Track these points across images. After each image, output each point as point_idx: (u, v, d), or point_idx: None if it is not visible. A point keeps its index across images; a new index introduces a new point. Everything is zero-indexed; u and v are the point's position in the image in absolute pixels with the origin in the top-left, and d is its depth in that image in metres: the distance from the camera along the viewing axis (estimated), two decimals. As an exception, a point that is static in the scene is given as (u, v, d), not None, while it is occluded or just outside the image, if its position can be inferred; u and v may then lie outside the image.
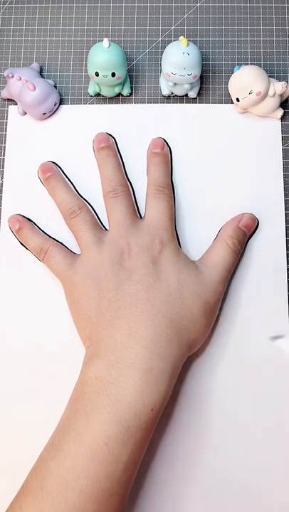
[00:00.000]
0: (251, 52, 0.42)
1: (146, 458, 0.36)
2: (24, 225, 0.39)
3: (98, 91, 0.41)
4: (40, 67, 0.42)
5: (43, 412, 0.37)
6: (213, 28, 0.43)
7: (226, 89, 0.41)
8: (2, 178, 0.41)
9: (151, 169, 0.39)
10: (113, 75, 0.38)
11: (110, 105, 0.42)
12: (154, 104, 0.42)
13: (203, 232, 0.39)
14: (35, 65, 0.42)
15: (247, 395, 0.37)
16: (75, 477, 0.28)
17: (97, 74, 0.38)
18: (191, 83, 0.39)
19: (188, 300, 0.34)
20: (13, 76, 0.40)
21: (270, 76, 0.40)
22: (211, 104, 0.41)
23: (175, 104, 0.42)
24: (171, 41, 0.41)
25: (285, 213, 0.39)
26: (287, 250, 0.39)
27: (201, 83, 0.41)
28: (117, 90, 0.41)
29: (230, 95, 0.40)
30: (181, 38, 0.37)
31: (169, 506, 0.36)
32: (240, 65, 0.41)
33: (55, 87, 0.42)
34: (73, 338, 0.37)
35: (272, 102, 0.39)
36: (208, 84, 0.42)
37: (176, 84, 0.39)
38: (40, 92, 0.39)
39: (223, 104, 0.41)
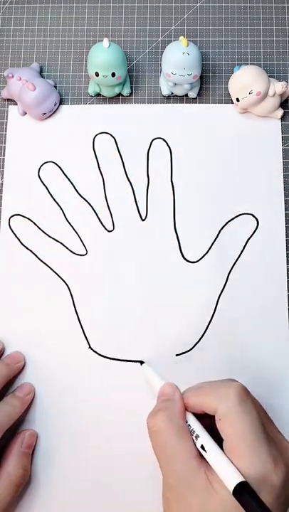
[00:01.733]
0: (251, 52, 0.42)
1: (145, 454, 0.36)
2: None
3: (98, 91, 0.41)
4: (40, 67, 0.42)
5: (42, 411, 0.37)
6: (213, 28, 0.43)
7: (226, 89, 0.41)
8: (2, 178, 0.41)
9: None
10: (113, 75, 0.38)
11: (110, 105, 0.42)
12: (154, 104, 0.42)
13: (203, 233, 0.39)
14: (35, 65, 0.42)
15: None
16: None
17: (97, 74, 0.38)
18: (191, 83, 0.39)
19: None
20: (13, 76, 0.40)
21: (270, 76, 0.40)
22: (211, 104, 0.41)
23: (175, 104, 0.42)
24: (171, 41, 0.41)
25: (285, 213, 0.39)
26: (287, 250, 0.39)
27: (201, 83, 0.41)
28: (117, 90, 0.41)
29: (230, 95, 0.40)
30: (181, 38, 0.37)
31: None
32: (240, 65, 0.41)
33: (55, 87, 0.42)
34: (73, 337, 0.38)
35: (272, 102, 0.39)
36: (208, 84, 0.42)
37: (176, 84, 0.39)
38: (40, 92, 0.39)
39: (223, 104, 0.41)
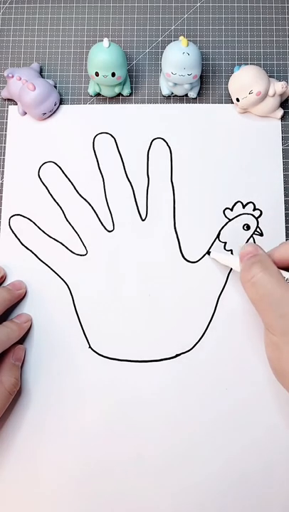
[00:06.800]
0: (251, 52, 0.42)
1: (144, 454, 0.36)
2: None
3: (98, 91, 0.41)
4: (40, 67, 0.42)
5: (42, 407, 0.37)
6: (213, 28, 0.43)
7: (226, 89, 0.41)
8: (2, 178, 0.41)
9: None
10: (113, 75, 0.38)
11: (110, 105, 0.42)
12: (154, 104, 0.42)
13: (203, 233, 0.39)
14: (35, 65, 0.42)
15: (247, 394, 0.37)
16: None
17: (97, 74, 0.38)
18: (191, 83, 0.39)
19: None
20: (13, 76, 0.40)
21: (270, 76, 0.40)
22: (211, 104, 0.41)
23: (175, 104, 0.42)
24: (171, 41, 0.41)
25: (285, 213, 0.39)
26: (287, 250, 0.39)
27: (201, 83, 0.41)
28: (117, 90, 0.41)
29: (230, 95, 0.40)
30: (181, 38, 0.37)
31: (168, 501, 0.36)
32: (240, 65, 0.41)
33: (55, 87, 0.42)
34: (73, 337, 0.38)
35: (272, 102, 0.39)
36: (208, 84, 0.42)
37: (176, 84, 0.39)
38: (40, 92, 0.39)
39: (223, 104, 0.41)
